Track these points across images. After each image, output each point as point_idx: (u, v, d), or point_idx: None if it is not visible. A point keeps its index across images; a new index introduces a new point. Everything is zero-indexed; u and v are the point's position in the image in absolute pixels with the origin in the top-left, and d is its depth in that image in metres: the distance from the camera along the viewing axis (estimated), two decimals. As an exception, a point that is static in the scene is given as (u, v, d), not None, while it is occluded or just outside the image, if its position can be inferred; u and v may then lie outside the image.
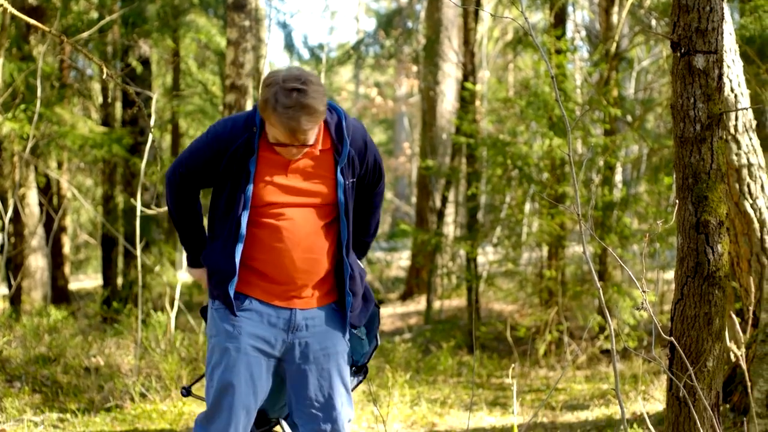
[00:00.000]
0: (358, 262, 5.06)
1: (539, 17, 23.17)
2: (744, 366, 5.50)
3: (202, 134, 4.80)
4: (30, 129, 13.13)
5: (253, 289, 4.75)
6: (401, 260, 27.87)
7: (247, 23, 11.21)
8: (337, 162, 4.71)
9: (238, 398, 4.63)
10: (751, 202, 7.77)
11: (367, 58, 25.67)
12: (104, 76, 6.86)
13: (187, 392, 5.16)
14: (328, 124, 4.68)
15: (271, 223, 4.67)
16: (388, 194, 38.14)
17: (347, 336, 4.93)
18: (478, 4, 18.22)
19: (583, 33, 20.40)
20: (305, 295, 4.75)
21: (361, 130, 4.82)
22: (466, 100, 17.66)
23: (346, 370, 4.88)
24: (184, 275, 17.56)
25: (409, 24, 25.93)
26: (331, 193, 4.74)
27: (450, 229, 21.94)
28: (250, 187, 4.62)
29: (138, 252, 10.89)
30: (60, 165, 19.68)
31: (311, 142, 4.52)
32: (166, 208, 9.37)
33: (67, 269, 20.00)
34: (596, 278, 4.56)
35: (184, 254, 5.05)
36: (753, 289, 7.03)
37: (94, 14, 16.86)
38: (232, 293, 4.67)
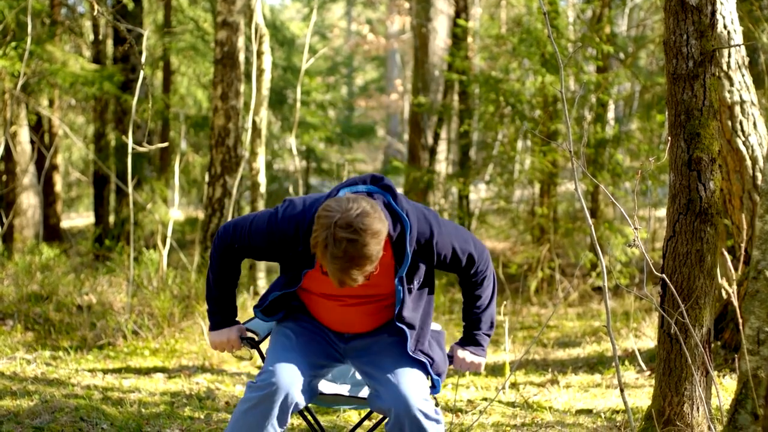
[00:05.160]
0: (432, 328, 4.88)
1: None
2: (735, 303, 5.52)
3: (269, 216, 4.44)
4: (21, 66, 13.06)
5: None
6: (394, 198, 27.81)
7: (238, -41, 11.14)
8: (397, 271, 4.38)
9: (293, 352, 4.48)
10: (743, 139, 7.76)
11: (359, -6, 25.54)
12: (95, 13, 6.80)
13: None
14: (390, 237, 4.28)
15: (320, 303, 4.60)
16: (380, 131, 38.06)
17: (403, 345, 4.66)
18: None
19: (577, -31, 20.28)
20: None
21: (426, 233, 4.39)
22: (458, 37, 17.61)
23: (406, 354, 4.57)
24: (176, 213, 17.49)
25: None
26: (390, 291, 4.50)
27: (442, 167, 21.90)
28: (302, 278, 4.43)
29: (130, 189, 10.86)
30: (51, 103, 19.58)
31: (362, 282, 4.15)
32: (156, 146, 9.27)
33: (59, 207, 19.98)
34: (588, 215, 4.56)
35: (206, 322, 4.74)
36: (745, 226, 7.04)
37: (84, -50, 16.74)
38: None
